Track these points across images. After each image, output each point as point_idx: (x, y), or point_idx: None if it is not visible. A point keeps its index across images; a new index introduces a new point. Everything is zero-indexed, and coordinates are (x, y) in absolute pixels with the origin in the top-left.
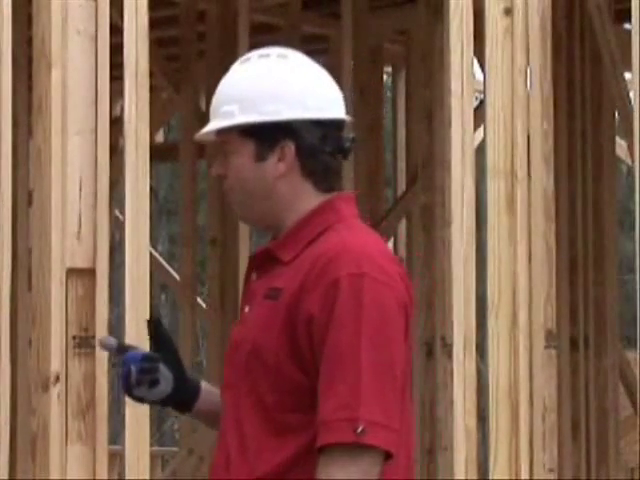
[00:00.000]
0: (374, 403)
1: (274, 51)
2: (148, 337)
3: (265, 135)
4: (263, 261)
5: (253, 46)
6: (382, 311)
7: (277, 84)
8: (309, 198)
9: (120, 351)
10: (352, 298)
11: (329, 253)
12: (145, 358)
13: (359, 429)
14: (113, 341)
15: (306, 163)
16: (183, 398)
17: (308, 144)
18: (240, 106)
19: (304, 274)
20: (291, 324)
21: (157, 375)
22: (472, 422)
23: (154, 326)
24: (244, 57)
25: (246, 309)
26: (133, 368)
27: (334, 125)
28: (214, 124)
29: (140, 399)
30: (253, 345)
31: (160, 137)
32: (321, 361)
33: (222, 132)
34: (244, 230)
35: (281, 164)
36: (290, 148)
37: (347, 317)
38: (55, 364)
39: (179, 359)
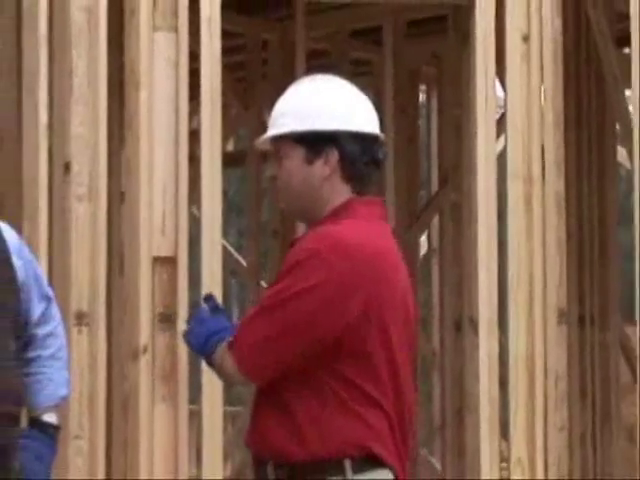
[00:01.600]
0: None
1: (322, 77)
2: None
3: (313, 142)
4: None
5: (309, 69)
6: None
7: (324, 101)
8: (345, 199)
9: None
10: (289, 263)
11: (306, 236)
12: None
13: None
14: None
15: (346, 169)
16: None
17: (348, 153)
18: (293, 118)
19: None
20: None
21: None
22: (495, 389)
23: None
24: (298, 81)
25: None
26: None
27: (370, 139)
28: (271, 132)
29: (209, 356)
30: None
31: (230, 146)
32: None
33: (277, 139)
34: (301, 224)
35: (326, 167)
36: (334, 154)
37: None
38: (143, 337)
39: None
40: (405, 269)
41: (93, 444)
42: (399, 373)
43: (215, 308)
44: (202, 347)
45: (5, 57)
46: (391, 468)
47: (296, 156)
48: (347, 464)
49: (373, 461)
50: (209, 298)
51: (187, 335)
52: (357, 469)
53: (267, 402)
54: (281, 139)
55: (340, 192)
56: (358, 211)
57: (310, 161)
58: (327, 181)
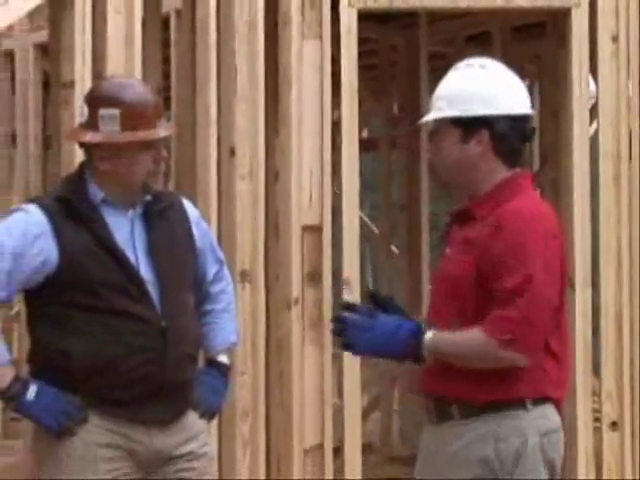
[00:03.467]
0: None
1: (477, 61)
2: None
3: (467, 125)
4: (463, 217)
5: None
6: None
7: (477, 87)
8: (498, 172)
9: (344, 306)
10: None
11: (510, 215)
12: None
13: None
14: (348, 293)
15: (497, 146)
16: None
17: (499, 132)
18: (449, 102)
19: (492, 227)
20: (480, 264)
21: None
22: (588, 334)
23: (372, 295)
24: (455, 66)
25: (447, 250)
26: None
27: (519, 118)
28: (430, 115)
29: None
30: (451, 279)
31: (365, 134)
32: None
33: (436, 121)
34: (425, 199)
35: (478, 147)
36: (485, 135)
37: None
38: (295, 291)
39: (403, 311)
40: None
41: (255, 379)
42: (564, 319)
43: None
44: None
45: (183, 65)
46: (556, 403)
47: (452, 137)
48: (528, 402)
49: (545, 399)
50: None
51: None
52: (534, 405)
53: None
54: (439, 121)
55: (495, 167)
56: (522, 185)
57: (465, 141)
58: (481, 158)
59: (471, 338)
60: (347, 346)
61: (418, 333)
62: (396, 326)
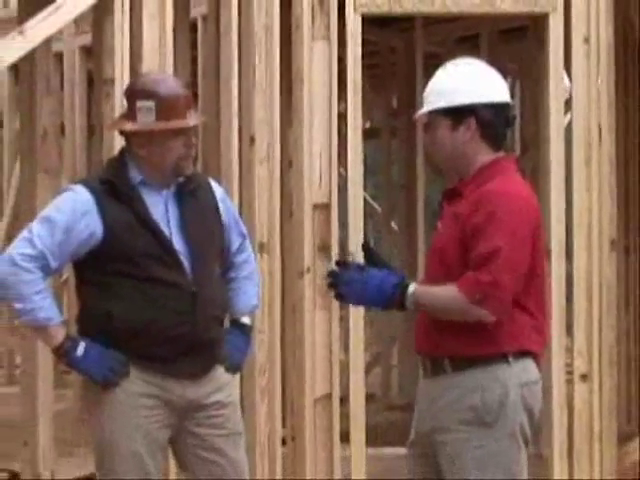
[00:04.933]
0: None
1: (462, 61)
2: (363, 255)
3: (456, 114)
4: (452, 195)
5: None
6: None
7: (463, 81)
8: (485, 155)
9: (340, 264)
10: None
11: (489, 193)
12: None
13: None
14: (351, 256)
15: (483, 131)
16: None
17: (484, 118)
18: (440, 96)
19: (474, 204)
20: (462, 234)
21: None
22: (563, 300)
23: (366, 248)
24: (443, 65)
25: (439, 225)
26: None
27: (501, 106)
28: (424, 109)
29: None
30: (440, 247)
31: (367, 124)
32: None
33: (429, 113)
34: (421, 182)
35: (467, 132)
36: (473, 122)
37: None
38: (307, 261)
39: (389, 266)
40: None
41: (272, 338)
42: (542, 282)
43: (369, 257)
44: (382, 296)
45: (208, 64)
46: (535, 357)
47: (444, 126)
48: (510, 356)
49: (525, 354)
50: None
51: (356, 292)
52: (515, 359)
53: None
54: (431, 113)
55: (481, 150)
56: (505, 167)
57: (455, 128)
58: (470, 143)
59: (446, 293)
60: (339, 297)
61: (402, 286)
62: (382, 279)
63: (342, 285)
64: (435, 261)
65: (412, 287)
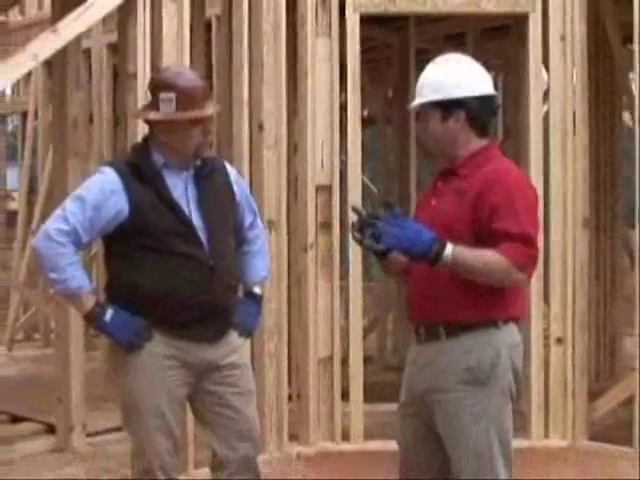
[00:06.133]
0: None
1: (451, 56)
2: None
3: (446, 106)
4: (447, 175)
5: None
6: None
7: (452, 74)
8: (473, 141)
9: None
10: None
11: (498, 172)
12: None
13: None
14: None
15: (471, 121)
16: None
17: (471, 109)
18: (431, 89)
19: (483, 183)
20: (474, 210)
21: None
22: (540, 270)
23: (388, 205)
24: (434, 60)
25: (433, 201)
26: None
27: (486, 97)
28: (417, 101)
29: (367, 247)
30: (447, 221)
31: (365, 113)
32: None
33: (422, 105)
34: (413, 166)
35: (457, 123)
36: (462, 113)
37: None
38: (310, 237)
39: None
40: None
41: (279, 306)
42: None
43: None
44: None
45: (221, 60)
46: (518, 321)
47: (435, 117)
48: (499, 322)
49: (511, 319)
50: (388, 205)
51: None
52: (503, 324)
53: (436, 281)
54: (424, 105)
55: (470, 138)
56: (493, 152)
57: (445, 119)
58: (459, 131)
59: (490, 255)
60: (376, 237)
61: (440, 240)
62: (421, 229)
63: (382, 225)
64: (441, 234)
65: (450, 244)
